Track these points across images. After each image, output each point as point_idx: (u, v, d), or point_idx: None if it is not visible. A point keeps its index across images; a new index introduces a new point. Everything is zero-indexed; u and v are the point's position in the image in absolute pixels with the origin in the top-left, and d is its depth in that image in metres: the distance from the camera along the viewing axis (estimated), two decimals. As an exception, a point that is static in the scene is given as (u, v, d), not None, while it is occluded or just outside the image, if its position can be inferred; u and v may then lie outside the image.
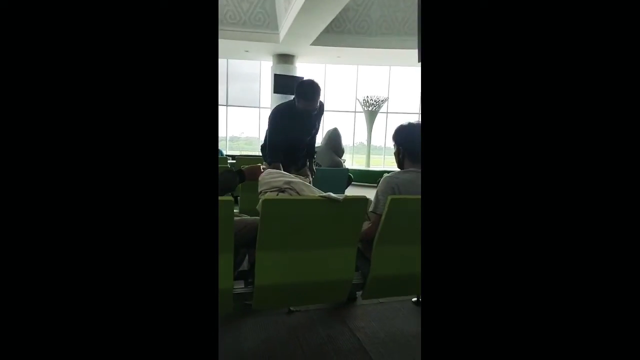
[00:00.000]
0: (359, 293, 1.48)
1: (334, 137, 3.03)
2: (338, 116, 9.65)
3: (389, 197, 1.25)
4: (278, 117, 2.21)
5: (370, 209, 1.41)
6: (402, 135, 1.51)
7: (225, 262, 1.13)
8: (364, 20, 6.94)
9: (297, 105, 2.13)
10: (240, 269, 1.34)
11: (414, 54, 2.67)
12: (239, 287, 1.27)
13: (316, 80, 2.18)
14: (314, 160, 2.49)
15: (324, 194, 1.18)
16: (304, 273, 1.24)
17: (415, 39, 2.67)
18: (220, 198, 1.06)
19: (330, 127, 3.20)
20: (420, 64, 2.48)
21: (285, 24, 5.99)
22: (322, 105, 2.24)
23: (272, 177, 1.33)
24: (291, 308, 1.68)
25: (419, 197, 1.37)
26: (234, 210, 1.40)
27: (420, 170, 1.44)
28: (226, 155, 5.12)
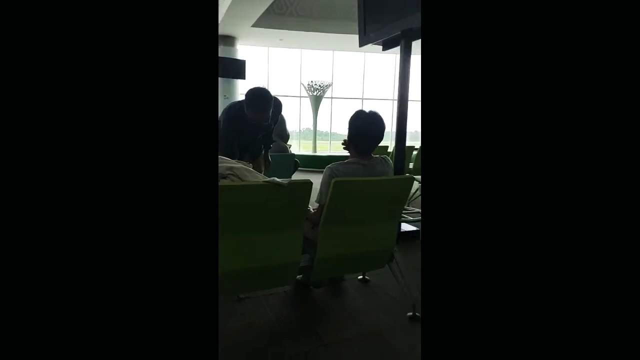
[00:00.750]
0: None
1: (279, 123, 2.99)
2: (283, 101, 9.52)
3: (332, 180, 1.27)
4: (229, 124, 2.09)
5: (315, 199, 1.42)
6: (355, 124, 1.48)
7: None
8: (307, 3, 6.84)
9: (246, 113, 2.00)
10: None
11: (355, 39, 2.70)
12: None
13: (266, 87, 2.08)
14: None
15: (268, 178, 1.17)
16: (251, 258, 1.23)
17: (356, 25, 2.69)
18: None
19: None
20: (360, 48, 2.48)
21: (224, 2, 5.70)
22: (278, 103, 2.17)
23: (214, 163, 1.28)
24: (240, 295, 1.66)
25: (362, 179, 1.42)
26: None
27: (365, 162, 1.47)
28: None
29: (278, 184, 1.14)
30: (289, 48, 9.08)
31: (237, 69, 7.20)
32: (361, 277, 1.93)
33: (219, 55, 7.03)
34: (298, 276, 1.46)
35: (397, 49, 2.44)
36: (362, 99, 10.20)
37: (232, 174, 1.23)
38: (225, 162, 1.29)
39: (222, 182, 1.19)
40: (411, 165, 4.88)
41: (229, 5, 5.43)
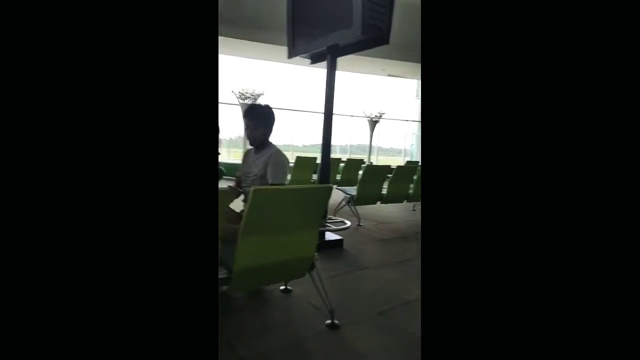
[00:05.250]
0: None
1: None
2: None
3: (252, 188, 1.25)
4: None
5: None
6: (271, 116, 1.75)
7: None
8: (242, 11, 6.77)
9: None
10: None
11: (284, 50, 2.74)
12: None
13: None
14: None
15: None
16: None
17: (284, 35, 2.73)
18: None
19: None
20: (289, 59, 2.52)
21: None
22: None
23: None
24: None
25: (285, 187, 1.41)
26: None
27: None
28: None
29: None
30: (223, 55, 8.86)
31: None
32: (283, 287, 1.92)
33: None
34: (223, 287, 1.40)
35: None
36: (293, 110, 10.32)
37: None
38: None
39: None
40: (338, 177, 5.05)
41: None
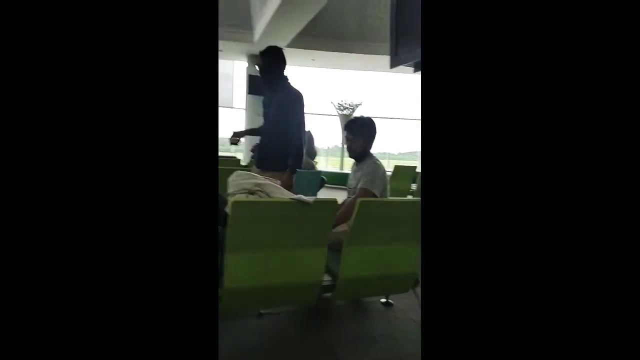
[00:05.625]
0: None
1: (306, 140, 3.03)
2: (312, 119, 9.68)
3: (359, 200, 1.27)
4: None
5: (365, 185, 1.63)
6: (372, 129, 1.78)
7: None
8: (340, 24, 7.01)
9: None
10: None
11: (386, 59, 2.73)
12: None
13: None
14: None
15: (294, 196, 1.19)
16: (274, 275, 1.24)
17: (388, 46, 2.72)
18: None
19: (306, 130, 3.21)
20: (392, 69, 2.49)
21: (260, 24, 5.95)
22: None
23: (243, 179, 1.32)
24: (261, 311, 1.67)
25: (387, 200, 1.40)
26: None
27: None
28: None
29: (304, 201, 1.15)
30: (321, 68, 9.28)
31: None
32: (384, 300, 1.89)
33: (254, 74, 7.29)
34: (327, 294, 1.45)
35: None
36: (391, 118, 10.18)
37: (259, 190, 1.26)
38: (252, 178, 1.32)
39: (249, 198, 1.22)
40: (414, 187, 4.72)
41: (264, 29, 5.67)
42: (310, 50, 7.11)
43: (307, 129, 3.10)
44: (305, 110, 2.04)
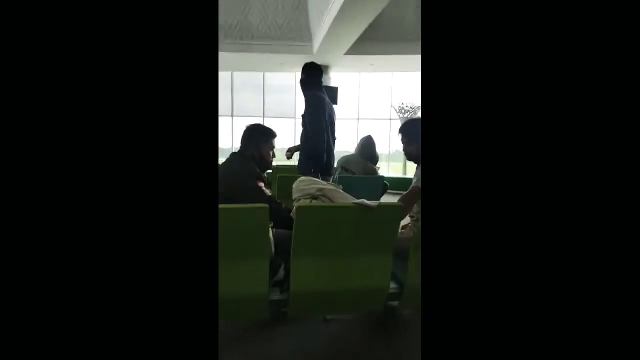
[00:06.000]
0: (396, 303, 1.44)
1: (367, 145, 3.01)
2: (373, 124, 9.59)
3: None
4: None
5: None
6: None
7: (260, 268, 1.15)
8: (397, 27, 6.89)
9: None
10: (277, 278, 1.36)
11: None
12: (275, 294, 1.28)
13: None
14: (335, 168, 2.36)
15: (357, 200, 1.18)
16: (339, 280, 1.23)
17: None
18: (254, 205, 1.09)
19: (364, 135, 3.19)
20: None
21: (319, 35, 6.10)
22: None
23: (305, 184, 1.34)
24: (327, 317, 1.67)
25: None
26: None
27: None
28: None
29: (367, 206, 1.14)
30: (380, 72, 9.19)
31: (330, 96, 7.55)
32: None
33: (313, 83, 7.47)
34: (393, 302, 1.41)
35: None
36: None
37: (322, 195, 1.28)
38: (315, 184, 1.34)
39: (312, 203, 1.24)
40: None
41: (324, 37, 5.79)
42: (368, 56, 7.08)
43: (368, 134, 3.07)
44: (325, 114, 2.15)
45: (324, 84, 8.06)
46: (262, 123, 1.66)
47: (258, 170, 1.51)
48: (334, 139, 2.31)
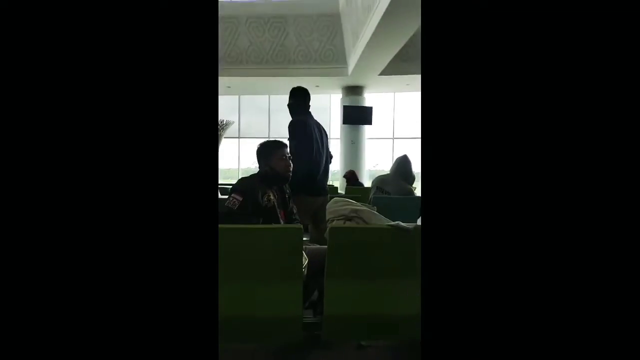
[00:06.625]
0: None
1: (403, 164, 2.95)
2: (408, 143, 9.46)
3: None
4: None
5: None
6: None
7: (294, 289, 1.15)
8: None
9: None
10: (311, 299, 1.35)
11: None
12: (308, 316, 1.27)
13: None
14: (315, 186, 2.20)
15: (392, 222, 1.15)
16: (373, 304, 1.20)
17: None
18: (289, 225, 1.10)
19: (400, 155, 3.14)
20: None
21: (353, 58, 6.21)
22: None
23: (339, 205, 1.34)
24: (362, 343, 1.62)
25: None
26: (305, 239, 1.43)
27: None
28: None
29: (403, 228, 1.11)
30: (416, 91, 9.13)
31: (365, 116, 7.58)
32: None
33: (348, 104, 7.57)
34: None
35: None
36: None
37: (356, 216, 1.26)
38: (349, 205, 1.33)
39: (346, 224, 1.22)
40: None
41: (358, 59, 5.89)
42: (403, 76, 7.08)
43: (403, 153, 3.03)
44: (312, 137, 2.14)
45: (358, 104, 8.11)
46: (271, 139, 1.69)
47: (240, 185, 1.51)
48: (327, 158, 2.32)
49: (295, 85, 2.43)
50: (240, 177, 1.59)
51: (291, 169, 1.61)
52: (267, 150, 1.61)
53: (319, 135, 2.21)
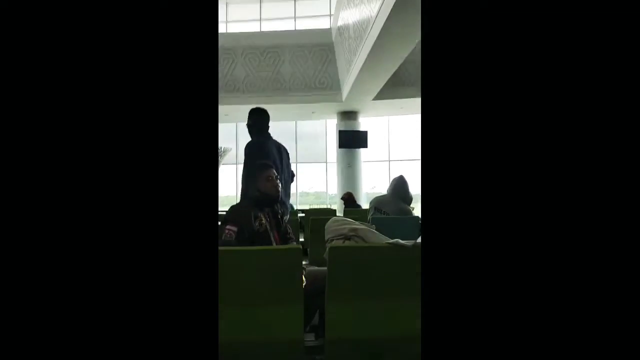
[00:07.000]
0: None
1: (400, 185, 2.97)
2: (405, 165, 9.54)
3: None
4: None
5: None
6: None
7: (294, 312, 1.13)
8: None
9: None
10: (313, 322, 1.32)
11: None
12: (310, 339, 1.24)
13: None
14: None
15: (391, 240, 1.15)
16: (377, 326, 1.17)
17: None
18: (288, 246, 1.10)
19: (396, 175, 3.17)
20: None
21: (347, 84, 6.38)
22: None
23: (338, 224, 1.34)
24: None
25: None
26: (304, 262, 1.42)
27: None
28: (296, 209, 5.29)
29: (402, 245, 1.11)
30: (410, 114, 9.30)
31: (360, 140, 7.69)
32: None
33: (343, 129, 7.69)
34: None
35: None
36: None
37: (355, 235, 1.26)
38: (348, 224, 1.34)
39: (345, 244, 1.22)
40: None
41: (352, 85, 6.05)
42: (397, 100, 7.25)
43: (399, 174, 3.06)
44: (269, 157, 2.17)
45: (354, 128, 8.19)
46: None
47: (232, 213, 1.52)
48: (289, 177, 2.34)
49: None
50: (230, 207, 1.57)
51: (280, 189, 1.61)
52: (256, 173, 1.61)
53: (277, 155, 2.24)
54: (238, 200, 1.79)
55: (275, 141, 2.30)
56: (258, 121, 2.28)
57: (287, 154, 2.36)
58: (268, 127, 2.32)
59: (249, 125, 2.30)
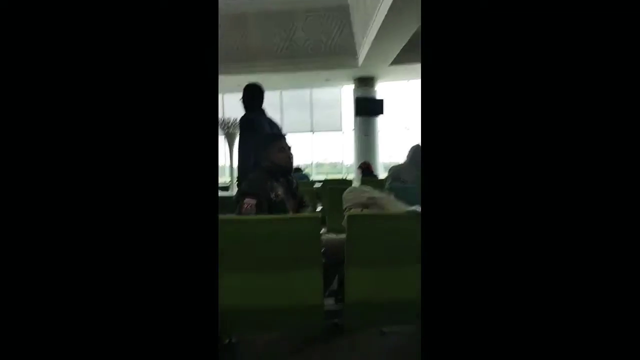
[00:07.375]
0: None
1: (418, 153, 2.92)
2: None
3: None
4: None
5: None
6: None
7: (313, 278, 1.16)
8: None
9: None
10: (332, 287, 1.36)
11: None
12: (329, 304, 1.28)
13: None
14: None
15: (410, 207, 1.15)
16: (394, 290, 1.20)
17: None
18: (306, 214, 1.11)
19: (414, 144, 3.12)
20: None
21: (364, 48, 6.15)
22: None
23: (356, 193, 1.34)
24: (384, 329, 1.63)
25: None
26: (322, 230, 1.44)
27: None
28: (312, 180, 5.31)
29: (419, 213, 1.10)
30: (428, 79, 8.95)
31: (376, 108, 7.52)
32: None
33: (359, 96, 7.51)
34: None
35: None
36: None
37: (373, 204, 1.27)
38: (366, 193, 1.34)
39: (364, 212, 1.23)
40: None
41: (368, 50, 5.83)
42: (415, 64, 6.98)
43: (417, 142, 3.00)
44: (248, 134, 2.20)
45: (369, 96, 8.00)
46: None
47: (248, 185, 1.52)
48: None
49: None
50: (246, 179, 1.57)
51: (292, 159, 1.61)
52: (267, 144, 1.61)
53: (269, 131, 2.26)
54: (234, 172, 1.78)
55: (267, 117, 2.33)
56: (250, 97, 2.32)
57: (279, 129, 2.41)
58: (262, 102, 2.35)
59: (242, 100, 2.34)
